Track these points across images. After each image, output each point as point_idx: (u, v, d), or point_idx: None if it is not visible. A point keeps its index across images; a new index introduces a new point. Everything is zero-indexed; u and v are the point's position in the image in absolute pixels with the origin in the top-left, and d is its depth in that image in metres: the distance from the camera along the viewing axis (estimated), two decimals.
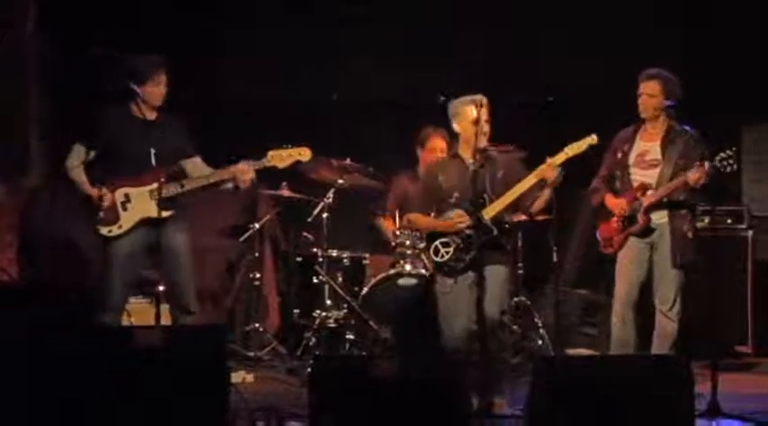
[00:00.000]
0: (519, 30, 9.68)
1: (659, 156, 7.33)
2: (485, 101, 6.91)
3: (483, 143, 6.88)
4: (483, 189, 6.87)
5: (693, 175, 7.02)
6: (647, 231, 7.29)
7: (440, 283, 7.04)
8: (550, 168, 6.76)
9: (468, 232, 6.83)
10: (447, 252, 6.92)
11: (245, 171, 7.01)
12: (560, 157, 6.79)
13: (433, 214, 7.08)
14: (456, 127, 7.02)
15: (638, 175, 7.39)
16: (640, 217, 7.26)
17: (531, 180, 6.81)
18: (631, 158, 7.42)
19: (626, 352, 7.29)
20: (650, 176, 7.35)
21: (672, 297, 7.28)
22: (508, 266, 7.15)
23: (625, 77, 7.87)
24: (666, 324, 7.30)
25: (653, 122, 7.38)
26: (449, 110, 7.07)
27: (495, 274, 6.87)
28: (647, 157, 7.38)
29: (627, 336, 7.37)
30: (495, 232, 6.86)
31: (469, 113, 6.91)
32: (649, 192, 7.27)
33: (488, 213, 6.84)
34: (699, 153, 7.22)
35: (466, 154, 6.99)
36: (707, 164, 6.99)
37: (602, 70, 9.56)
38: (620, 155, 7.45)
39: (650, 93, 7.31)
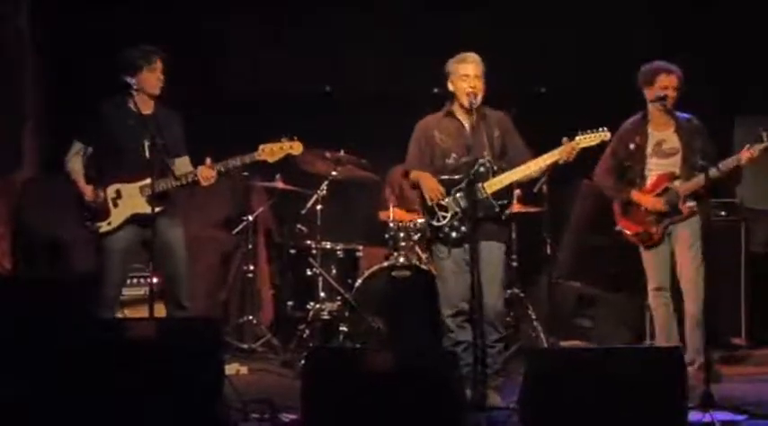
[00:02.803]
0: (515, 23, 9.73)
1: (677, 144, 7.44)
2: (477, 58, 6.89)
3: (474, 100, 6.78)
4: (481, 150, 6.81)
5: (745, 154, 7.17)
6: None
7: (437, 250, 6.96)
8: (573, 151, 6.75)
9: (467, 204, 6.76)
10: (444, 217, 6.85)
11: (206, 177, 7.00)
12: (578, 143, 6.77)
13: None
14: (450, 86, 6.95)
15: (655, 165, 7.48)
16: (683, 207, 7.35)
17: (545, 161, 6.80)
18: (648, 148, 7.49)
19: (674, 337, 7.41)
20: (671, 165, 7.44)
21: (694, 278, 7.33)
22: (505, 242, 7.10)
23: (619, 71, 7.93)
24: (693, 305, 7.32)
25: (660, 113, 7.46)
26: (446, 70, 7.00)
27: (492, 253, 6.85)
28: (664, 146, 7.47)
29: (672, 323, 7.49)
30: (497, 209, 6.84)
31: (458, 69, 6.88)
32: (677, 182, 7.37)
33: (490, 187, 6.80)
34: (706, 137, 7.42)
35: (459, 113, 6.95)
36: (757, 147, 7.15)
37: (595, 64, 9.60)
38: (632, 146, 7.49)
39: (675, 86, 7.39)
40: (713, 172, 7.14)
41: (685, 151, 7.39)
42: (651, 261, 7.51)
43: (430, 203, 6.85)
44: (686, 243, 7.40)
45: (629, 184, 7.52)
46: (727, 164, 7.23)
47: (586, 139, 6.80)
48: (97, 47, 8.57)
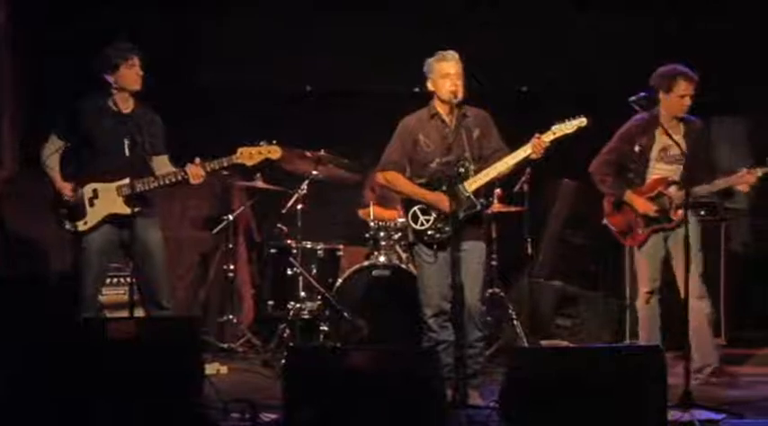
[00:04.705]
0: (502, 23, 9.79)
1: (682, 151, 7.37)
2: (456, 56, 6.87)
3: (455, 98, 6.79)
4: (462, 152, 6.80)
5: (746, 179, 7.17)
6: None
7: (422, 252, 6.92)
8: (540, 146, 6.72)
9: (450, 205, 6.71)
10: (427, 221, 6.85)
11: (196, 174, 6.98)
12: (548, 136, 6.74)
13: (408, 172, 7.01)
14: (430, 85, 6.94)
15: (660, 170, 7.44)
16: (674, 214, 7.33)
17: (518, 156, 6.78)
18: (654, 153, 7.45)
19: (655, 337, 7.43)
20: (673, 171, 7.41)
21: (699, 282, 7.37)
22: (485, 242, 7.08)
23: (596, 70, 8.00)
24: (703, 307, 7.37)
25: (671, 116, 7.42)
26: (425, 70, 6.99)
27: (474, 253, 6.86)
28: (670, 152, 7.41)
29: (656, 322, 7.51)
30: (479, 207, 6.83)
31: (440, 68, 6.86)
32: (673, 188, 7.35)
33: (471, 186, 6.79)
34: (706, 140, 7.50)
35: (443, 111, 6.93)
36: (760, 169, 7.14)
37: (579, 64, 9.65)
38: (637, 149, 7.45)
39: (692, 94, 7.35)
40: (703, 188, 7.22)
41: (689, 159, 7.32)
42: (644, 263, 7.51)
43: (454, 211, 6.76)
44: (676, 259, 7.37)
45: (627, 183, 7.48)
46: (720, 184, 7.24)
47: (563, 128, 6.76)
48: (77, 45, 8.51)
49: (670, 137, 7.21)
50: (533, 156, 6.77)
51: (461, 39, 7.21)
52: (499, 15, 9.76)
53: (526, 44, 9.80)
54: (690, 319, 7.30)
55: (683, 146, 7.33)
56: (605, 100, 7.64)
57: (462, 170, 6.80)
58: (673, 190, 7.37)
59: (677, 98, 7.34)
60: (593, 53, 9.74)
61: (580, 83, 9.61)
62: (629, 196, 7.45)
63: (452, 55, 6.89)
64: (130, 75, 7.04)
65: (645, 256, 7.51)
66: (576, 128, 6.76)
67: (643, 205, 7.40)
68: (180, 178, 7.01)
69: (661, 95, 7.39)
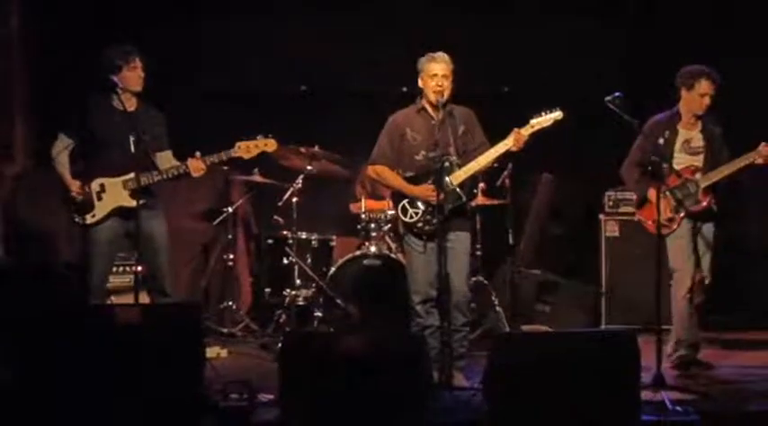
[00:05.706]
0: (484, 24, 9.94)
1: (702, 143, 7.57)
2: (446, 58, 7.06)
3: (440, 98, 6.99)
4: (447, 147, 7.00)
5: (762, 155, 7.36)
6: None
7: (412, 242, 7.10)
8: (520, 139, 6.91)
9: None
10: (416, 213, 7.04)
11: (197, 168, 7.22)
12: (527, 130, 6.93)
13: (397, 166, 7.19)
14: (420, 82, 7.12)
15: (683, 160, 7.58)
16: (702, 198, 7.48)
17: (499, 149, 6.96)
18: (677, 145, 7.59)
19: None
20: (696, 161, 7.57)
21: (709, 267, 7.61)
22: (471, 233, 7.28)
23: (570, 73, 8.08)
24: (701, 294, 7.60)
25: (690, 113, 7.62)
26: (417, 68, 7.16)
27: (461, 243, 7.06)
28: (692, 144, 7.59)
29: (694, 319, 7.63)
30: (465, 199, 7.03)
31: (428, 68, 7.05)
32: (698, 175, 7.51)
33: (456, 180, 6.98)
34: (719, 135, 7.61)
35: (430, 107, 7.11)
36: None
37: (557, 64, 9.87)
38: (661, 141, 7.56)
39: (712, 94, 7.52)
40: (723, 168, 7.44)
41: (711, 151, 7.55)
42: (678, 248, 7.55)
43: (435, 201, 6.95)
44: (701, 249, 7.62)
45: (653, 176, 7.42)
46: (741, 162, 7.39)
47: (541, 121, 6.95)
48: (85, 46, 8.53)
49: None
50: (514, 149, 6.95)
51: (456, 39, 7.38)
52: (487, 16, 9.90)
53: (510, 44, 9.91)
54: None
55: (700, 139, 7.56)
56: (585, 100, 7.78)
57: (448, 164, 6.98)
58: (699, 176, 7.51)
59: (698, 96, 7.49)
60: (575, 54, 9.89)
61: (562, 83, 9.63)
62: (651, 195, 7.45)
63: (441, 56, 7.06)
64: (132, 76, 7.21)
65: (678, 239, 7.54)
66: (552, 121, 6.95)
67: (663, 203, 7.36)
68: (182, 171, 7.22)
69: (683, 92, 7.57)
